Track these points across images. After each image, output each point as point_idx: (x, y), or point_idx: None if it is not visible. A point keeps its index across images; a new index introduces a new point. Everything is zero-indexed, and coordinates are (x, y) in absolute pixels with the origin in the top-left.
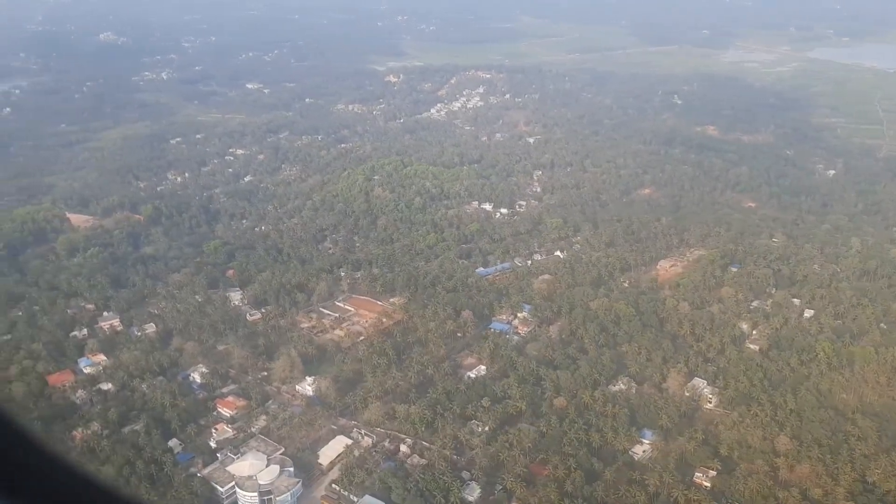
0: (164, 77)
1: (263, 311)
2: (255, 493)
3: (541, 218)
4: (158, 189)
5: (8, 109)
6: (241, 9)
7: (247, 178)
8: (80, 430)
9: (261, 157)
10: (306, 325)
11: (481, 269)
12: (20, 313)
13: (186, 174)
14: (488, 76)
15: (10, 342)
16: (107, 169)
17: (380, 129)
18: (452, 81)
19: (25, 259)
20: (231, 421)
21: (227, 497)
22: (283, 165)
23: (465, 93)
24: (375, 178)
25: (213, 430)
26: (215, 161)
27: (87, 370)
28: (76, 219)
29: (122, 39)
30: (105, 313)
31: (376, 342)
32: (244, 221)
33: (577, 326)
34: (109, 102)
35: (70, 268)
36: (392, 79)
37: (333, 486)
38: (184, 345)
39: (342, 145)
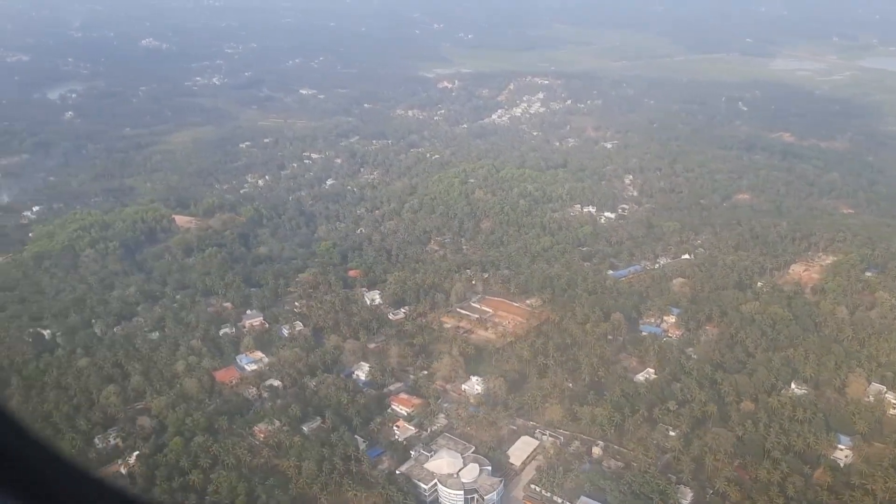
0: (216, 82)
1: (404, 310)
2: (461, 492)
3: (649, 221)
4: (241, 192)
5: (70, 113)
6: (276, 16)
7: (329, 182)
8: (261, 425)
9: (338, 160)
10: (450, 324)
11: (612, 271)
12: (160, 310)
13: (266, 177)
14: (546, 82)
15: (163, 339)
16: (185, 171)
17: (447, 134)
18: (510, 87)
19: (143, 258)
20: (408, 418)
21: (429, 495)
22: (361, 169)
23: (524, 98)
24: (471, 181)
25: (396, 428)
26: (294, 165)
27: (248, 367)
28: (179, 219)
29: (164, 45)
30: (248, 311)
31: (536, 343)
32: (339, 223)
33: (737, 330)
34: (167, 106)
35: (194, 267)
36: (447, 84)
37: (532, 486)
38: (343, 342)
39: (414, 149)
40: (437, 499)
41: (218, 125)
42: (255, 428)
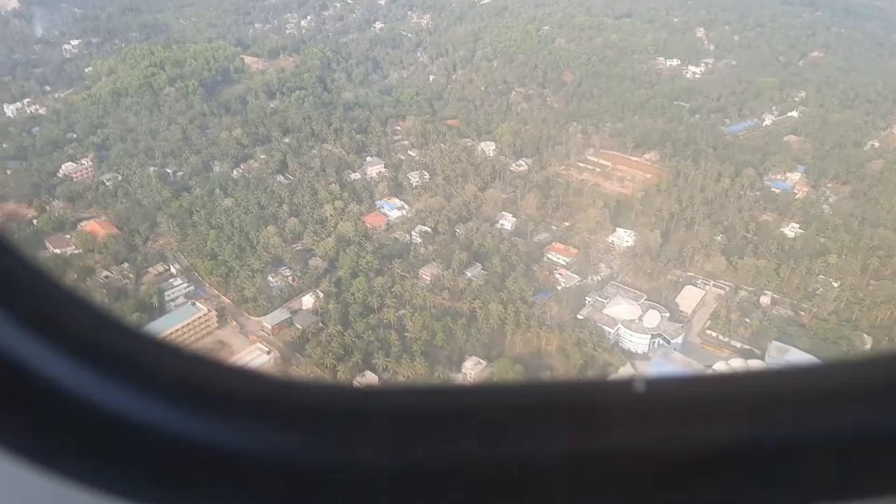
0: None
1: (525, 162)
2: (647, 336)
3: (739, 76)
4: (287, 32)
5: None
6: None
7: (378, 25)
8: (425, 269)
9: (381, 2)
10: (576, 177)
11: (729, 126)
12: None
13: (308, 17)
14: None
15: (298, 183)
16: (218, 8)
17: None
18: None
19: (225, 99)
20: (567, 266)
21: (612, 339)
22: (408, 12)
23: None
24: (545, 28)
25: (559, 276)
26: (336, 5)
27: (391, 213)
28: (248, 60)
29: None
30: (368, 158)
31: (681, 196)
32: (403, 71)
33: (868, 187)
34: None
35: (287, 110)
36: None
37: (708, 332)
38: (480, 192)
39: None
40: (618, 342)
41: None
42: (420, 271)
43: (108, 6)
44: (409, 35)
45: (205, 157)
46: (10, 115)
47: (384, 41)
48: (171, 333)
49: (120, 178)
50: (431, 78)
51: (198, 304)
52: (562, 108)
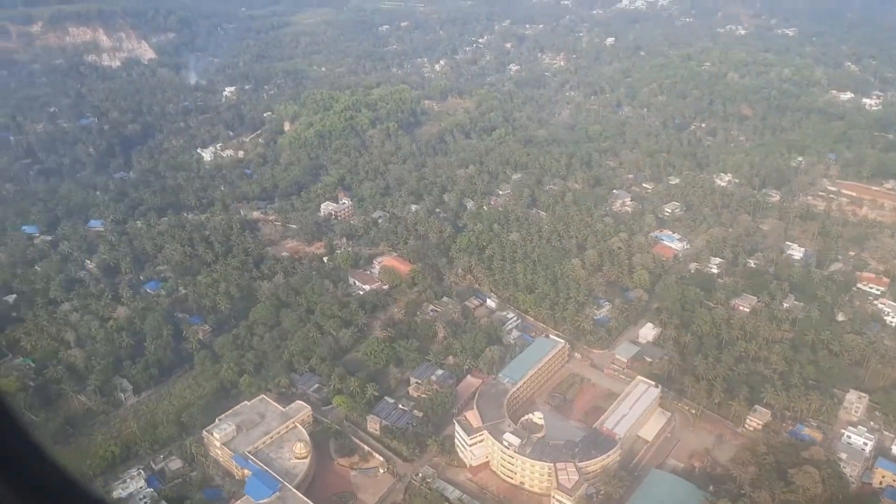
0: None
1: (771, 192)
2: None
3: None
4: (425, 75)
5: None
6: None
7: (513, 67)
8: (738, 299)
9: (508, 45)
10: (828, 206)
11: None
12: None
13: (442, 61)
14: None
15: (560, 216)
16: (346, 52)
17: (594, 18)
18: None
19: (425, 139)
20: (879, 295)
21: None
22: (539, 54)
23: None
24: (706, 64)
25: (881, 305)
26: (466, 49)
27: (673, 245)
28: (428, 103)
29: None
30: (614, 191)
31: None
32: (566, 110)
33: None
34: None
35: (495, 148)
36: None
37: None
38: (756, 222)
39: (578, 34)
40: None
41: (334, 6)
42: (734, 302)
43: (241, 55)
44: (548, 74)
45: (457, 194)
46: (208, 158)
47: (528, 81)
48: (537, 369)
49: (388, 215)
50: (600, 114)
51: (551, 335)
52: (756, 139)
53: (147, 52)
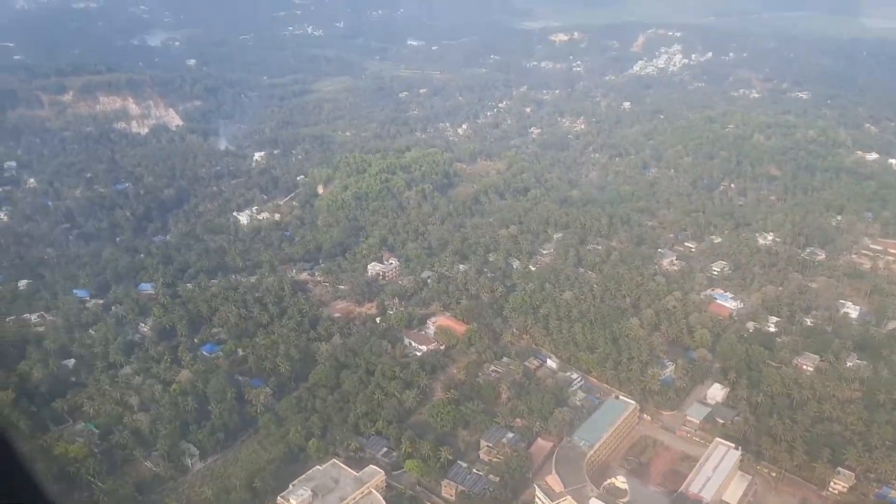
0: (313, 32)
1: (814, 251)
2: None
3: None
4: (449, 139)
5: (192, 60)
6: None
7: (534, 130)
8: (801, 358)
9: (527, 109)
10: (874, 264)
11: None
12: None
13: (464, 126)
14: (678, 34)
15: (610, 275)
16: (371, 119)
17: (607, 84)
18: (640, 40)
19: (460, 200)
20: None
21: None
22: (558, 119)
23: (662, 50)
24: (730, 126)
25: None
26: (488, 113)
27: (727, 303)
28: (459, 165)
29: None
30: (659, 250)
31: None
32: (593, 173)
33: None
34: (282, 56)
35: (533, 209)
36: (560, 38)
37: None
38: (807, 280)
39: (593, 99)
40: None
41: (352, 75)
42: (796, 360)
43: (267, 121)
44: (570, 137)
45: (503, 253)
46: (244, 221)
47: (551, 144)
48: (611, 432)
49: (436, 274)
50: (628, 175)
51: (620, 397)
52: (788, 199)
53: (174, 119)
